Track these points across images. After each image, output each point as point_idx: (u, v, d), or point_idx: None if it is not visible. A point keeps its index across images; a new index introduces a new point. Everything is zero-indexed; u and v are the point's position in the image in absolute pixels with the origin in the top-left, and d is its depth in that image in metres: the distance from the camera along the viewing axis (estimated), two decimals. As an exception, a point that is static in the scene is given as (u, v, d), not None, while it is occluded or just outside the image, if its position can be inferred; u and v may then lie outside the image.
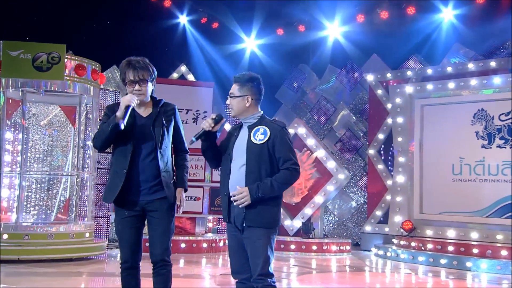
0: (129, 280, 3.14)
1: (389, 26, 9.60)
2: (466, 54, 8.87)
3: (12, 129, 7.34)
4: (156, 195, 3.11)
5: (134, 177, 3.08)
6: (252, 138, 2.94)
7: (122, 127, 2.98)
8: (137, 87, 3.07)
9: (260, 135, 2.93)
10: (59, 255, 6.32)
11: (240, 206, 2.85)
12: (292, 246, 7.98)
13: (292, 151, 2.94)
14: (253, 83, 3.01)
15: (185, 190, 3.22)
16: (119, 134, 3.08)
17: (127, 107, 2.98)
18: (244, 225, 2.89)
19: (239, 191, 2.84)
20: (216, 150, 3.08)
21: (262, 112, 3.08)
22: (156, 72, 3.21)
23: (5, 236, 6.34)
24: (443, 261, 6.94)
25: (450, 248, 7.11)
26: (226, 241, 8.15)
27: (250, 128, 2.99)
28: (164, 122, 3.13)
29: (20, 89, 6.73)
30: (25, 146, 7.23)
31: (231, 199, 2.89)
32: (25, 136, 7.25)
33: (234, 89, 3.02)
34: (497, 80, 7.61)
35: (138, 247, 3.15)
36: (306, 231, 8.25)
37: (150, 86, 3.14)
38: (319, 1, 9.95)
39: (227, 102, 3.07)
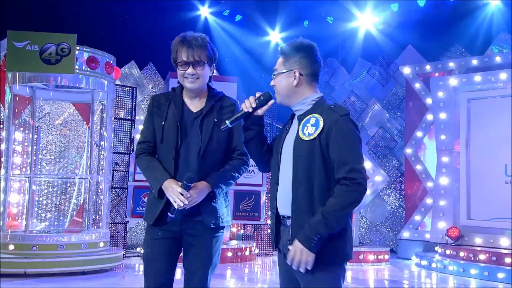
0: None
1: (427, 14, 8.62)
2: (514, 44, 7.87)
3: (22, 128, 6.61)
4: (196, 216, 2.35)
5: None
6: (300, 132, 2.03)
7: (169, 218, 2.33)
8: (190, 70, 2.36)
9: (310, 128, 2.00)
10: (70, 268, 5.55)
11: (302, 271, 1.94)
12: (325, 255, 7.08)
13: (353, 150, 1.96)
14: (304, 52, 2.08)
15: (213, 194, 2.35)
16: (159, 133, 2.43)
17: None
18: None
19: (291, 253, 1.95)
20: (262, 144, 2.21)
21: (320, 95, 2.14)
22: (217, 55, 2.49)
23: (11, 247, 5.61)
24: (500, 275, 5.97)
25: (508, 259, 6.12)
26: (253, 249, 7.43)
27: (300, 119, 2.08)
28: (216, 121, 2.38)
29: (28, 84, 5.99)
30: (35, 147, 6.52)
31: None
32: (36, 136, 6.53)
33: (278, 63, 2.14)
34: (557, 69, 6.60)
35: (168, 280, 2.39)
36: (340, 239, 7.34)
37: (207, 71, 2.42)
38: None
39: (271, 83, 2.17)
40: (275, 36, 9.85)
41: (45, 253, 5.56)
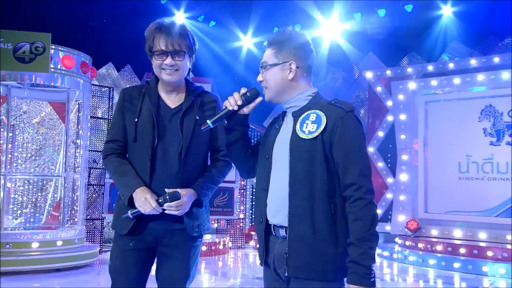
0: None
1: (386, 24, 8.46)
2: (464, 52, 7.81)
3: (-3, 127, 6.02)
4: (177, 224, 1.89)
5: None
6: (298, 130, 1.61)
7: (124, 216, 1.89)
8: (168, 60, 1.89)
9: (311, 125, 1.58)
10: (44, 266, 5.04)
11: None
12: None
13: (361, 151, 1.57)
14: (298, 42, 1.68)
15: (199, 202, 1.91)
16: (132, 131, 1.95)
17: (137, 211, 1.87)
18: (286, 274, 1.59)
19: None
20: (247, 147, 1.77)
21: (315, 90, 1.72)
22: (197, 46, 2.01)
23: (-16, 245, 5.06)
24: (456, 264, 5.82)
25: (462, 250, 5.98)
26: (227, 243, 7.04)
27: (297, 116, 1.66)
28: (198, 118, 1.93)
29: (2, 83, 5.42)
30: (10, 145, 5.95)
31: None
32: (10, 134, 5.96)
33: (268, 55, 1.69)
34: (506, 75, 6.51)
35: None
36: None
37: (187, 63, 1.95)
38: (316, 0, 8.77)
39: (259, 78, 1.72)
40: (247, 41, 9.49)
41: (19, 251, 5.03)
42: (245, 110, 1.71)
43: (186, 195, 1.84)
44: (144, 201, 1.81)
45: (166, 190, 1.85)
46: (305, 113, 1.63)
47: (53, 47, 5.27)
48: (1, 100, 5.68)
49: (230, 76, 9.30)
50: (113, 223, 1.98)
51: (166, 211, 1.83)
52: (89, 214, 6.56)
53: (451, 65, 7.25)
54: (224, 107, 1.71)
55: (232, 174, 7.01)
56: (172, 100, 1.97)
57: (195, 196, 1.89)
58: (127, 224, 1.88)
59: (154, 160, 1.87)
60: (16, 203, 6.37)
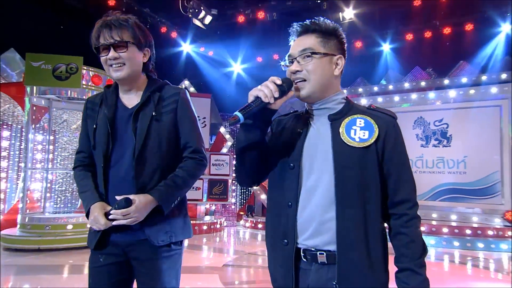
0: None
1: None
2: (398, 77, 7.70)
3: (41, 131, 5.54)
4: (140, 234, 1.26)
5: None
6: (344, 136, 1.01)
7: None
8: (111, 53, 1.26)
9: (360, 132, 1.01)
10: (77, 244, 4.60)
11: None
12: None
13: (409, 163, 1.05)
14: (341, 38, 1.08)
15: (162, 210, 1.26)
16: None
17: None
18: None
19: None
20: (263, 151, 1.06)
21: (345, 93, 1.13)
22: (151, 40, 1.36)
23: (28, 227, 4.59)
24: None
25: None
26: (222, 223, 6.61)
27: (335, 119, 1.05)
28: (154, 114, 1.28)
29: (44, 96, 4.97)
30: (52, 146, 5.48)
31: None
32: (51, 137, 5.48)
33: (312, 42, 1.04)
34: (432, 95, 6.39)
35: None
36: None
37: (135, 55, 1.29)
38: (288, 39, 8.52)
39: (294, 67, 1.05)
40: (237, 67, 9.21)
41: (56, 231, 4.59)
42: (278, 103, 1.02)
43: (138, 201, 1.21)
44: (93, 220, 1.23)
45: (117, 197, 1.24)
46: (349, 118, 1.03)
47: (85, 67, 4.84)
48: (42, 111, 5.20)
49: (225, 93, 8.99)
50: (88, 239, 1.35)
51: (115, 222, 1.22)
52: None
53: (390, 87, 7.12)
54: (254, 98, 0.98)
55: (227, 168, 6.66)
56: (131, 100, 1.33)
57: (154, 203, 1.24)
58: (94, 238, 1.28)
59: (109, 167, 1.27)
60: (56, 192, 5.91)
